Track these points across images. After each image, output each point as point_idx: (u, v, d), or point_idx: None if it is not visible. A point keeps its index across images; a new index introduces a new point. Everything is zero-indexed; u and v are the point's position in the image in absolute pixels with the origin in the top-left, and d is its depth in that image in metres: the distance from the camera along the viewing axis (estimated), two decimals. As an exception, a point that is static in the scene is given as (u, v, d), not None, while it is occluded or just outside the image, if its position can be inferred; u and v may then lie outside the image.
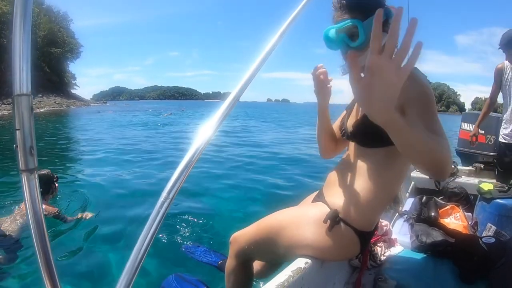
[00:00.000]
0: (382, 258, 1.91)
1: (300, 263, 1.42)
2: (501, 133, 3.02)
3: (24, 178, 0.53)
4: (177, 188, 0.64)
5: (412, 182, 3.21)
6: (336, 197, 1.27)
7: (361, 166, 1.23)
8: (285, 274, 1.34)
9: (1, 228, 2.86)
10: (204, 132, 0.77)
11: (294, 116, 39.07)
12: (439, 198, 2.39)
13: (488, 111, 3.25)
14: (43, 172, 3.40)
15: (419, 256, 1.88)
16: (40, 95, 34.47)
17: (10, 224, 2.93)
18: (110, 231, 3.30)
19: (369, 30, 0.96)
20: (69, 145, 10.77)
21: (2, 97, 29.79)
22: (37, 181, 0.55)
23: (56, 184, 3.57)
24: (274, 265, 1.74)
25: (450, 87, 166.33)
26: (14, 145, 0.52)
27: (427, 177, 3.07)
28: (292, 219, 1.34)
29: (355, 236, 1.22)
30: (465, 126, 4.55)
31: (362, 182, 1.20)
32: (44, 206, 3.17)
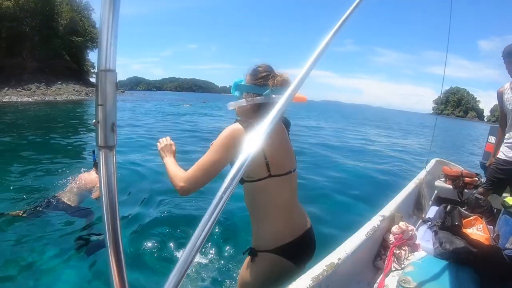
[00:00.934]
0: (406, 261, 2.00)
1: (333, 258, 1.53)
2: (501, 149, 2.91)
3: (102, 155, 0.51)
4: (240, 175, 0.64)
5: (436, 191, 3.26)
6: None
7: (247, 203, 1.50)
8: (320, 268, 1.46)
9: (64, 201, 3.36)
10: (265, 124, 0.77)
11: (315, 112, 39.63)
12: (463, 208, 2.44)
13: (501, 138, 3.03)
14: None
15: (441, 262, 1.93)
16: (60, 82, 35.25)
17: (70, 195, 3.45)
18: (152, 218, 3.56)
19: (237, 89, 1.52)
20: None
21: (22, 83, 30.55)
22: (115, 158, 0.53)
23: None
24: None
25: (470, 92, 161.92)
26: (94, 121, 0.51)
27: (450, 187, 3.13)
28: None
29: (273, 255, 1.42)
30: (492, 139, 4.44)
31: (251, 214, 1.49)
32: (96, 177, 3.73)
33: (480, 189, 2.91)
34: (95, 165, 3.89)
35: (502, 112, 2.92)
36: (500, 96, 2.87)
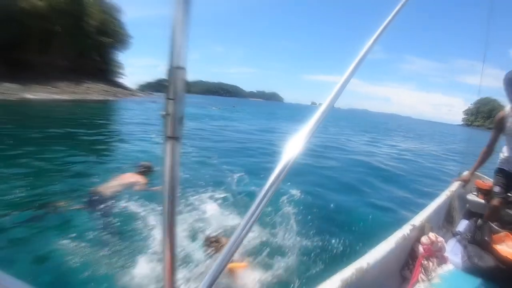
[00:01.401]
0: (433, 273, 2.00)
1: (363, 263, 1.57)
2: (502, 162, 2.91)
3: (168, 145, 0.54)
4: (288, 168, 0.63)
5: (467, 205, 3.20)
6: None
7: None
8: (350, 271, 1.51)
9: (106, 193, 3.77)
10: (309, 125, 0.76)
11: (343, 121, 39.65)
12: (494, 223, 2.41)
13: (485, 160, 3.07)
14: (149, 163, 4.60)
15: (469, 277, 1.94)
16: (88, 81, 36.43)
17: (112, 188, 3.88)
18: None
19: None
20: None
21: (51, 80, 31.68)
22: (179, 150, 0.56)
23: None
24: None
25: (501, 104, 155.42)
26: (163, 113, 0.54)
27: (482, 201, 3.07)
28: None
29: None
30: None
31: None
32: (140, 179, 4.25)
33: (496, 200, 2.74)
34: (140, 173, 4.37)
35: (496, 134, 2.90)
36: (501, 120, 2.82)
